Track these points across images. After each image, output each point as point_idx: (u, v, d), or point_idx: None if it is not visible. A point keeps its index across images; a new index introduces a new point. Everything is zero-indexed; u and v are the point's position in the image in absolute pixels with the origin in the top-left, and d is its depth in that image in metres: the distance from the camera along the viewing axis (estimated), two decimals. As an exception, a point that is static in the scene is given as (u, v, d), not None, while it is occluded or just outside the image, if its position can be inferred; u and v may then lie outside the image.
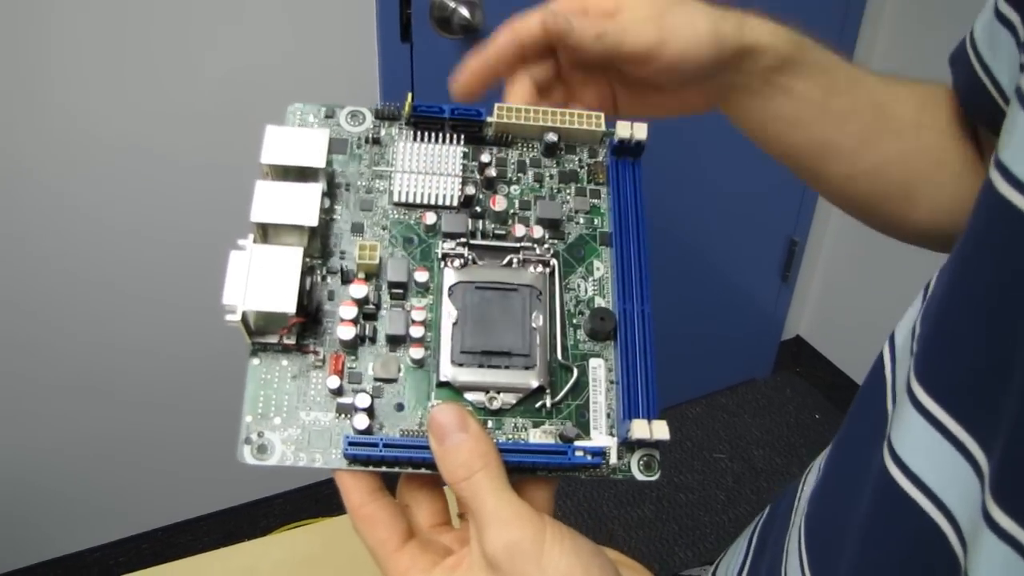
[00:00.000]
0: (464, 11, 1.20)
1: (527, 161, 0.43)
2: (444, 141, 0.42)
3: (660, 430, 0.36)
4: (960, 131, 0.50)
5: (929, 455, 0.37)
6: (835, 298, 2.02)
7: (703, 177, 1.64)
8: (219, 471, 1.56)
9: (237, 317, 0.35)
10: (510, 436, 0.37)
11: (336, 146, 0.42)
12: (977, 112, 0.48)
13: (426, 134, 0.42)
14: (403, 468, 0.36)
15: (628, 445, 0.38)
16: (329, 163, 0.40)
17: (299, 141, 0.39)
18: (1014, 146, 0.33)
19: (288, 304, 0.35)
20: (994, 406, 0.33)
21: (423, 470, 0.35)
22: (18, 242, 1.22)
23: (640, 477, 0.38)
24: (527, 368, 0.38)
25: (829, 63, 0.48)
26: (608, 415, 0.38)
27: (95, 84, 1.14)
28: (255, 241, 0.37)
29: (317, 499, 1.68)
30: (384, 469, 0.36)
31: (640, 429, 0.36)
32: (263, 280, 0.36)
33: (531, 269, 0.40)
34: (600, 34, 0.42)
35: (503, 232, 0.41)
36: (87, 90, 1.14)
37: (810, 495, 0.50)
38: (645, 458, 0.38)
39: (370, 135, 0.42)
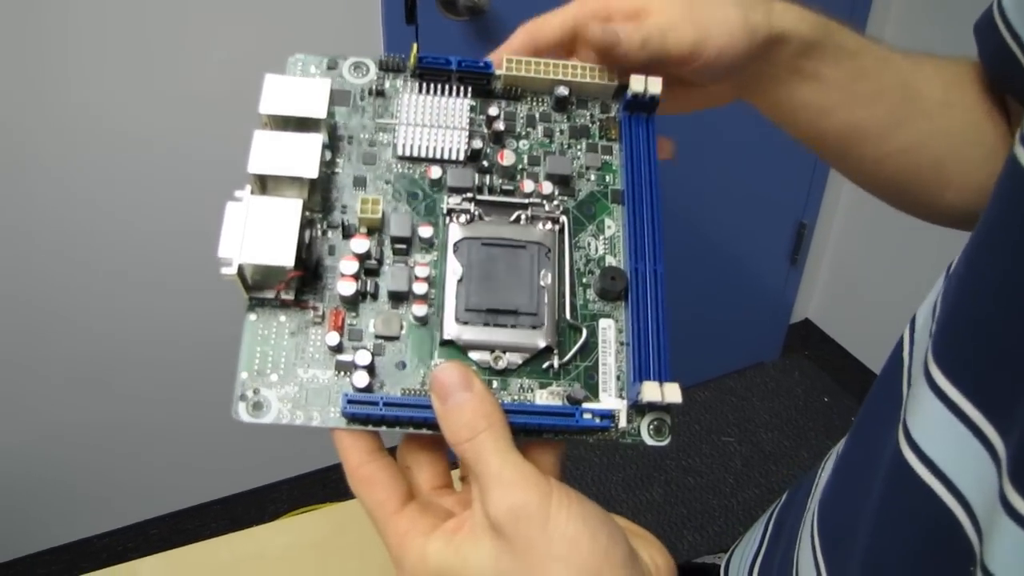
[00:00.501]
0: (470, -8, 1.18)
1: (537, 115, 0.41)
2: (451, 94, 0.40)
3: (672, 393, 0.34)
4: (990, 108, 0.48)
5: (944, 439, 0.35)
6: (844, 281, 2.01)
7: (711, 160, 1.62)
8: (226, 457, 1.56)
9: (233, 270, 0.33)
10: (516, 397, 0.36)
11: (338, 98, 0.40)
12: (1006, 82, 0.46)
13: (432, 86, 0.40)
14: (404, 428, 0.34)
15: (638, 408, 0.36)
16: (331, 115, 0.38)
17: (300, 91, 0.37)
18: None
19: (286, 257, 0.34)
20: (1013, 389, 0.32)
21: (424, 430, 0.34)
22: (16, 232, 1.20)
23: (650, 442, 0.36)
24: (534, 327, 0.36)
25: (856, 46, 0.46)
26: (618, 377, 0.37)
27: (95, 70, 1.12)
28: (253, 193, 0.35)
29: (325, 484, 1.68)
30: (384, 429, 0.34)
31: (651, 391, 0.34)
32: (260, 232, 0.34)
33: (540, 226, 0.38)
34: (645, 40, 0.40)
35: (511, 188, 0.39)
36: (86, 76, 1.12)
37: (826, 481, 0.49)
38: (655, 422, 0.36)
39: (374, 87, 0.41)
